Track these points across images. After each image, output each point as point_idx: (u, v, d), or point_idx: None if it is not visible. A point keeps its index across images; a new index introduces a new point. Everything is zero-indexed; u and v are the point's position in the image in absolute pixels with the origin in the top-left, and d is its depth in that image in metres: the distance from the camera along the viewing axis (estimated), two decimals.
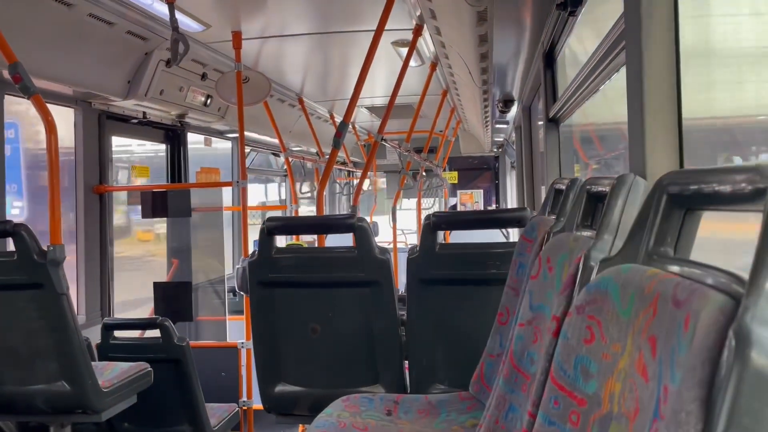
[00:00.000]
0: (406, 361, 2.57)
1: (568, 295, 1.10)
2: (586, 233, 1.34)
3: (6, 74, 2.87)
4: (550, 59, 3.12)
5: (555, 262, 1.40)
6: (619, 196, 1.11)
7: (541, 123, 4.17)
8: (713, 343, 0.54)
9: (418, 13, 3.50)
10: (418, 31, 3.67)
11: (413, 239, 9.84)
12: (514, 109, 5.64)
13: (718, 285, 0.65)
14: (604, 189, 1.26)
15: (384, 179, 10.91)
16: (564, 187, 1.72)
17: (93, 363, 2.63)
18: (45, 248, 2.39)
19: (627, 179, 1.12)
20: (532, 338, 1.47)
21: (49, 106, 2.55)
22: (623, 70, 1.79)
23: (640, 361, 0.78)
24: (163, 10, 3.22)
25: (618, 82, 1.94)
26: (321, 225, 2.94)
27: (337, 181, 9.79)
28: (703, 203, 0.80)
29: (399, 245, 6.67)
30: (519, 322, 1.53)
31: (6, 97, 3.26)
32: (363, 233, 2.42)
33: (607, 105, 2.49)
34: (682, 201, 0.83)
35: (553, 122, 3.19)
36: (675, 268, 0.79)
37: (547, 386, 1.00)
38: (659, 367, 0.71)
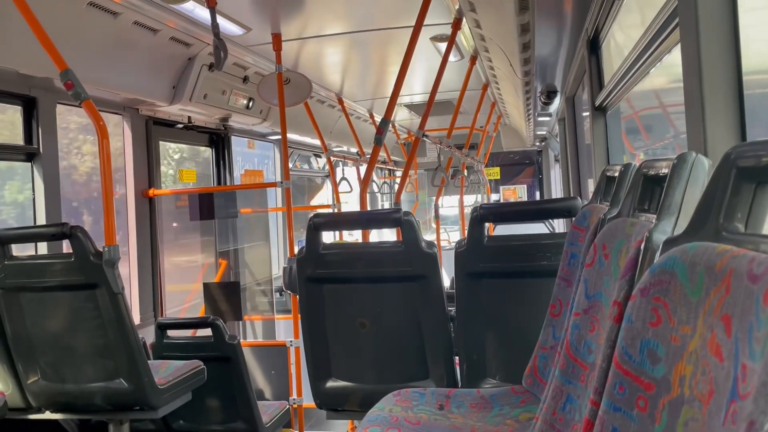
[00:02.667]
0: (456, 357, 2.55)
1: (630, 279, 1.07)
2: (643, 218, 1.30)
3: (57, 83, 2.97)
4: (594, 45, 3.04)
5: (611, 248, 1.36)
6: (681, 176, 1.06)
7: (586, 114, 4.08)
8: None
9: (456, 7, 3.47)
10: (456, 25, 3.63)
11: (454, 237, 9.78)
12: (557, 101, 5.54)
13: None
14: (662, 171, 1.22)
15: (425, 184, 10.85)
16: (616, 174, 1.67)
17: (148, 361, 2.70)
18: (100, 249, 2.46)
19: (688, 158, 1.08)
20: (589, 327, 1.44)
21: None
22: (675, 50, 1.74)
23: (712, 342, 0.75)
24: (204, 15, 3.28)
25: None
26: (367, 219, 2.95)
27: (376, 180, 9.79)
28: None
29: (441, 243, 6.63)
30: (574, 312, 1.50)
31: None
32: (409, 227, 2.41)
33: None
34: (753, 174, 0.79)
35: (600, 110, 3.11)
36: (748, 244, 0.75)
37: (611, 372, 0.97)
38: (735, 346, 0.68)
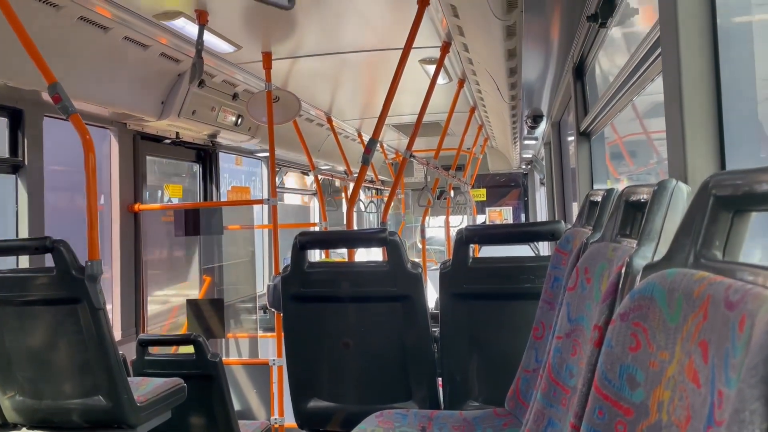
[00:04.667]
0: (440, 378, 2.55)
1: (610, 304, 1.08)
2: (625, 242, 1.31)
3: (45, 96, 2.96)
4: (580, 72, 3.10)
5: (593, 272, 1.38)
6: (662, 202, 1.08)
7: (571, 138, 4.14)
8: None
9: (445, 31, 3.52)
10: (445, 49, 3.68)
11: (439, 258, 9.81)
12: (543, 125, 5.61)
13: None
14: (643, 197, 1.24)
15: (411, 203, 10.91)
16: (599, 199, 1.70)
17: (128, 378, 2.66)
18: (83, 264, 2.44)
19: (668, 185, 1.10)
20: (571, 351, 1.44)
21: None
22: (657, 80, 1.78)
23: (690, 367, 0.76)
24: (195, 32, 3.30)
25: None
26: (353, 239, 2.95)
27: (363, 199, 9.81)
28: (752, 204, 0.78)
29: (427, 263, 6.63)
30: (557, 335, 1.51)
31: None
32: (394, 247, 2.42)
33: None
34: (730, 203, 0.81)
35: (585, 135, 3.16)
36: (725, 271, 0.77)
37: (590, 397, 0.98)
38: (712, 372, 0.69)
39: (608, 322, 1.05)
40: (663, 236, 1.06)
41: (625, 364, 0.91)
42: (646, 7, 2.06)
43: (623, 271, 1.08)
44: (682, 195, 1.09)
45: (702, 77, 1.22)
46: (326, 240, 3.04)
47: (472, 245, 2.51)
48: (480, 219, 10.71)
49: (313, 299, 2.53)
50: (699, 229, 0.85)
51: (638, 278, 1.02)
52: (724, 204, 0.82)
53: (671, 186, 1.09)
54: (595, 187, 3.24)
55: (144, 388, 2.73)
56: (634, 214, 1.34)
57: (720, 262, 0.81)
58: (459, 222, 9.18)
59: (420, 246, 7.01)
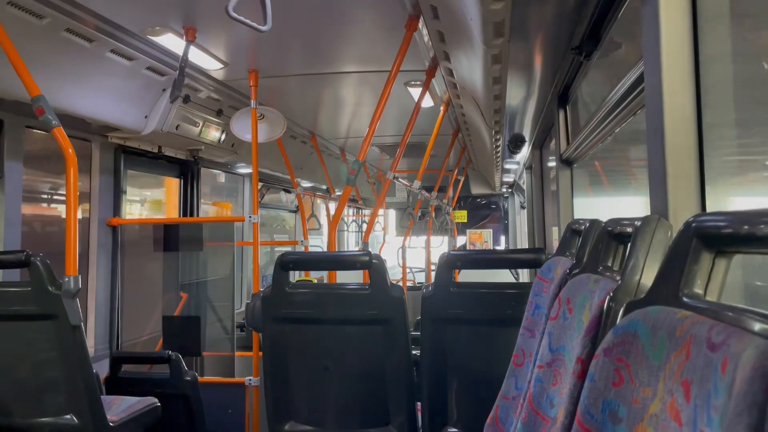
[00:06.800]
0: (419, 402, 2.54)
1: (593, 338, 1.09)
2: (607, 274, 1.33)
3: (27, 107, 2.92)
4: (563, 100, 3.15)
5: (575, 303, 1.39)
6: (644, 238, 1.10)
7: (552, 164, 4.19)
8: (759, 387, 0.53)
9: (431, 55, 3.56)
10: (431, 73, 3.72)
11: (419, 277, 9.82)
12: (525, 149, 5.67)
13: (755, 328, 0.64)
14: (625, 230, 1.25)
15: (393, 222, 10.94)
16: (581, 228, 1.71)
17: (101, 397, 2.61)
18: (60, 279, 2.39)
19: (651, 221, 1.12)
20: (552, 381, 1.45)
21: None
22: (639, 113, 1.81)
23: (672, 406, 0.76)
24: (182, 48, 3.29)
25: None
26: (336, 261, 2.94)
27: (344, 217, 9.81)
28: (734, 246, 0.80)
29: (407, 283, 6.63)
30: (538, 364, 1.51)
31: None
32: (377, 271, 2.42)
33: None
34: (712, 243, 0.83)
35: (567, 163, 3.20)
36: (707, 311, 0.78)
37: (572, 430, 0.99)
38: (694, 412, 0.70)
39: (591, 355, 1.06)
40: (645, 272, 1.08)
41: (607, 399, 0.92)
42: (630, 41, 2.11)
43: (606, 305, 1.09)
44: (665, 231, 1.10)
45: (685, 115, 1.25)
46: (309, 261, 3.02)
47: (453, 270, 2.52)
48: (461, 240, 10.76)
49: (294, 320, 2.51)
50: (681, 268, 0.87)
51: (620, 313, 1.03)
52: (706, 244, 0.83)
53: (654, 222, 1.11)
54: (576, 211, 3.28)
55: (117, 407, 2.68)
56: (616, 247, 1.36)
57: (702, 302, 0.83)
58: (440, 243, 9.21)
59: (399, 265, 7.00)
